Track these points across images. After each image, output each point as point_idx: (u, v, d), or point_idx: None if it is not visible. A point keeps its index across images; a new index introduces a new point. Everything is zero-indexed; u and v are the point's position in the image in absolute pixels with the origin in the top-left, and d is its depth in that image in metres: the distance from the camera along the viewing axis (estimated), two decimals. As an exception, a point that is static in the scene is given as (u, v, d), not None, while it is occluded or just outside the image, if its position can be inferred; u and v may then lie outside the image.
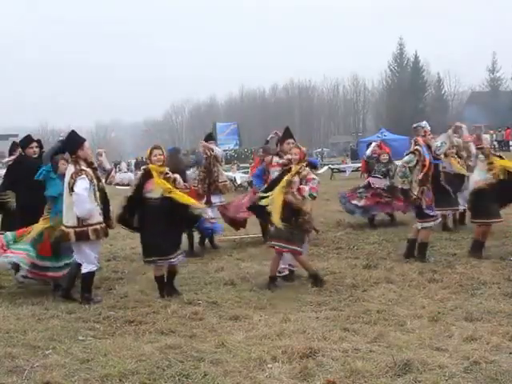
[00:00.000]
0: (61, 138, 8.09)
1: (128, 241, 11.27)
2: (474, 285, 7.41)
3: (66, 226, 7.12)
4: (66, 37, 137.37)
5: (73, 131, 7.62)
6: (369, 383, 4.52)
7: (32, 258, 7.36)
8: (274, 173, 8.71)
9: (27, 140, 8.83)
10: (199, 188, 10.95)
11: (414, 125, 9.64)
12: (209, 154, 11.01)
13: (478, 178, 9.15)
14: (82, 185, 7.00)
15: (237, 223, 11.40)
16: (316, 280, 7.70)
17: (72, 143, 7.40)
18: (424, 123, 9.29)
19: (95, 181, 7.22)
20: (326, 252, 10.20)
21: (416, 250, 9.04)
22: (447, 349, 5.19)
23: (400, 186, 9.28)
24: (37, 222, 7.70)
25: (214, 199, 11.06)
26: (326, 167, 33.66)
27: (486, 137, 10.10)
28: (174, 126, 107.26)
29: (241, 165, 34.71)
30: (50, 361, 5.06)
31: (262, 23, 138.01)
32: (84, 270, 7.23)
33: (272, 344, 5.41)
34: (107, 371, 4.79)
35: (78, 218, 7.04)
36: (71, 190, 7.05)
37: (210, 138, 11.76)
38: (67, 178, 7.16)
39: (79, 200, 6.97)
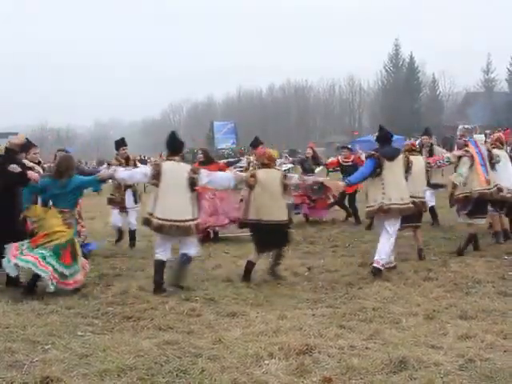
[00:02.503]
0: None
1: (126, 238, 11.28)
2: (469, 283, 7.47)
3: (186, 220, 7.36)
4: (66, 37, 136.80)
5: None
6: (364, 380, 4.55)
7: (49, 264, 7.15)
8: None
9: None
10: (117, 196, 11.09)
11: (467, 126, 10.27)
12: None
13: None
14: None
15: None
16: None
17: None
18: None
19: None
20: (322, 250, 10.27)
21: (464, 243, 9.35)
22: (442, 346, 5.23)
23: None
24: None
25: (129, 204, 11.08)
26: (321, 166, 33.57)
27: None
28: (172, 124, 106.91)
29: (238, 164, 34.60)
30: (50, 356, 5.08)
31: (260, 24, 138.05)
32: (191, 254, 7.66)
33: (269, 340, 5.44)
34: (106, 366, 4.82)
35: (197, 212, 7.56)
36: (193, 185, 7.46)
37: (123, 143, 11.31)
38: (185, 175, 7.46)
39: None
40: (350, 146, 16.18)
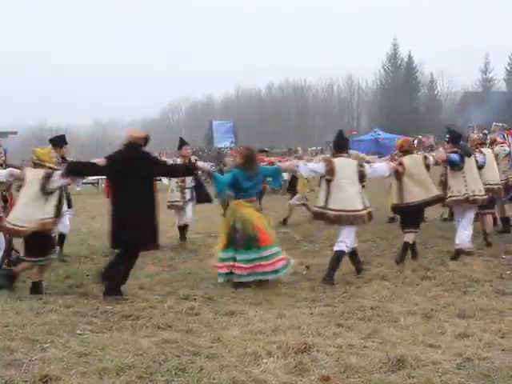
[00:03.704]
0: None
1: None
2: (467, 282, 7.49)
3: (359, 210, 7.95)
4: (66, 37, 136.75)
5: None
6: (363, 379, 4.55)
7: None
8: None
9: None
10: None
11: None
12: None
13: None
14: None
15: None
16: None
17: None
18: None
19: None
20: (321, 249, 10.29)
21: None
22: (440, 345, 5.24)
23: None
24: None
25: None
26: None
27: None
28: (171, 124, 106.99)
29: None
30: (48, 354, 5.09)
31: (259, 23, 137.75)
32: (349, 248, 8.07)
33: (267, 339, 5.45)
34: (104, 365, 4.82)
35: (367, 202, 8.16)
36: (362, 177, 8.14)
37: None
38: (355, 169, 8.11)
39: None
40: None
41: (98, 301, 6.95)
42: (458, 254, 8.96)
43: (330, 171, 7.93)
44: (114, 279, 7.22)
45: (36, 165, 7.67)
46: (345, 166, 8.06)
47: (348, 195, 7.93)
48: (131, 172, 7.14)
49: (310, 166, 8.42)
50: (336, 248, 8.05)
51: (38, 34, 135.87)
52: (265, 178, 8.86)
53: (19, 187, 7.72)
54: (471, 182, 9.10)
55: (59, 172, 7.53)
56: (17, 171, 7.78)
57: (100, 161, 7.47)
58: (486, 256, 8.98)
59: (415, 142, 12.77)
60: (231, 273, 7.72)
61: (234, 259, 7.68)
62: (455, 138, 9.48)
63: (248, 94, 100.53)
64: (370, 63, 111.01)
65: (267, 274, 7.69)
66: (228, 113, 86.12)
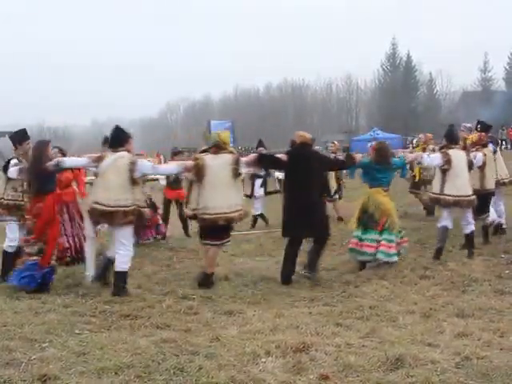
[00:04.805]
0: None
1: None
2: (466, 282, 7.49)
3: (471, 195, 8.89)
4: (66, 37, 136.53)
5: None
6: (361, 378, 4.55)
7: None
8: None
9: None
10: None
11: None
12: None
13: None
14: None
15: None
16: None
17: None
18: None
19: None
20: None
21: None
22: (439, 344, 5.24)
23: None
24: None
25: None
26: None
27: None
28: (170, 123, 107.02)
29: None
30: (47, 354, 5.08)
31: (257, 23, 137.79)
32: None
33: (266, 339, 5.45)
34: (103, 364, 4.81)
35: None
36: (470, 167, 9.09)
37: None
38: (466, 158, 9.01)
39: None
40: None
41: (97, 300, 6.94)
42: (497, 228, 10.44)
43: (447, 162, 8.77)
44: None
45: (219, 149, 7.75)
46: (459, 156, 8.94)
47: (464, 182, 8.88)
48: (306, 167, 7.93)
49: (431, 157, 9.19)
50: (467, 230, 9.08)
51: (37, 34, 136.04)
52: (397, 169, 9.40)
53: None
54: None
55: (244, 159, 8.03)
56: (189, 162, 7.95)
57: (283, 156, 8.22)
58: (485, 255, 8.98)
59: (414, 141, 12.86)
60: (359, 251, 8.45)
61: (361, 239, 8.45)
62: (486, 129, 10.42)
63: (246, 94, 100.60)
64: (369, 63, 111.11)
65: (388, 256, 8.30)
66: (226, 112, 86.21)
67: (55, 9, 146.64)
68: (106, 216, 7.23)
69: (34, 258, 7.40)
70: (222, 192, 7.55)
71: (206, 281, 7.69)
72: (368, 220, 8.43)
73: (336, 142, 16.36)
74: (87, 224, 7.73)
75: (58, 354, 5.06)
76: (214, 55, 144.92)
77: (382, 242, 8.29)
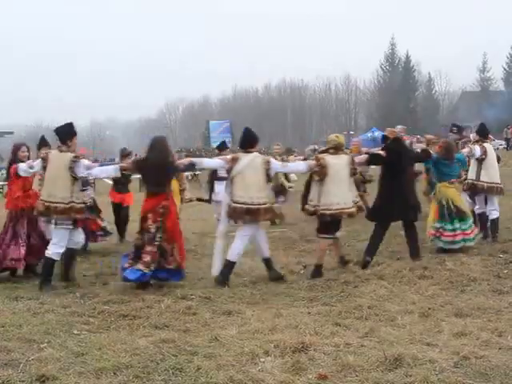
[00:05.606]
0: None
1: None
2: (464, 281, 7.48)
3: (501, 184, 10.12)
4: (66, 36, 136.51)
5: None
6: (360, 377, 4.55)
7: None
8: None
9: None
10: None
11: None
12: None
13: None
14: None
15: None
16: None
17: None
18: None
19: None
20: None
21: None
22: (437, 344, 5.25)
23: None
24: None
25: None
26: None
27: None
28: (168, 124, 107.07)
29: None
30: (46, 354, 5.08)
31: (256, 23, 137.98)
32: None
33: (264, 338, 5.46)
34: (102, 365, 4.82)
35: None
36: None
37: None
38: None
39: None
40: None
41: (96, 301, 6.94)
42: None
43: (485, 153, 9.94)
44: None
45: (337, 150, 8.30)
46: (491, 149, 10.26)
47: (496, 172, 10.14)
48: (403, 159, 8.74)
49: (475, 150, 10.00)
50: (494, 216, 10.08)
51: (37, 34, 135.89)
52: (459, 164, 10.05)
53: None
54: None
55: (356, 160, 8.60)
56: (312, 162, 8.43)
57: (381, 152, 8.86)
58: (484, 255, 8.97)
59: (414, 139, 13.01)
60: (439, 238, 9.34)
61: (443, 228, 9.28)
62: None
63: (245, 94, 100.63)
64: (368, 63, 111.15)
65: (466, 241, 9.30)
66: (225, 113, 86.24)
67: (55, 9, 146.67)
68: (251, 213, 7.86)
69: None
70: (342, 189, 8.18)
71: (320, 273, 8.21)
72: (444, 211, 9.30)
73: None
74: (222, 222, 8.16)
75: (57, 355, 5.07)
76: (212, 55, 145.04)
77: (458, 231, 9.25)
